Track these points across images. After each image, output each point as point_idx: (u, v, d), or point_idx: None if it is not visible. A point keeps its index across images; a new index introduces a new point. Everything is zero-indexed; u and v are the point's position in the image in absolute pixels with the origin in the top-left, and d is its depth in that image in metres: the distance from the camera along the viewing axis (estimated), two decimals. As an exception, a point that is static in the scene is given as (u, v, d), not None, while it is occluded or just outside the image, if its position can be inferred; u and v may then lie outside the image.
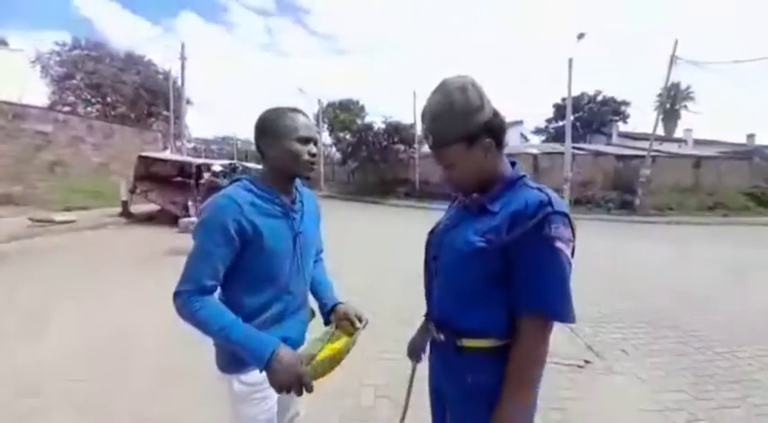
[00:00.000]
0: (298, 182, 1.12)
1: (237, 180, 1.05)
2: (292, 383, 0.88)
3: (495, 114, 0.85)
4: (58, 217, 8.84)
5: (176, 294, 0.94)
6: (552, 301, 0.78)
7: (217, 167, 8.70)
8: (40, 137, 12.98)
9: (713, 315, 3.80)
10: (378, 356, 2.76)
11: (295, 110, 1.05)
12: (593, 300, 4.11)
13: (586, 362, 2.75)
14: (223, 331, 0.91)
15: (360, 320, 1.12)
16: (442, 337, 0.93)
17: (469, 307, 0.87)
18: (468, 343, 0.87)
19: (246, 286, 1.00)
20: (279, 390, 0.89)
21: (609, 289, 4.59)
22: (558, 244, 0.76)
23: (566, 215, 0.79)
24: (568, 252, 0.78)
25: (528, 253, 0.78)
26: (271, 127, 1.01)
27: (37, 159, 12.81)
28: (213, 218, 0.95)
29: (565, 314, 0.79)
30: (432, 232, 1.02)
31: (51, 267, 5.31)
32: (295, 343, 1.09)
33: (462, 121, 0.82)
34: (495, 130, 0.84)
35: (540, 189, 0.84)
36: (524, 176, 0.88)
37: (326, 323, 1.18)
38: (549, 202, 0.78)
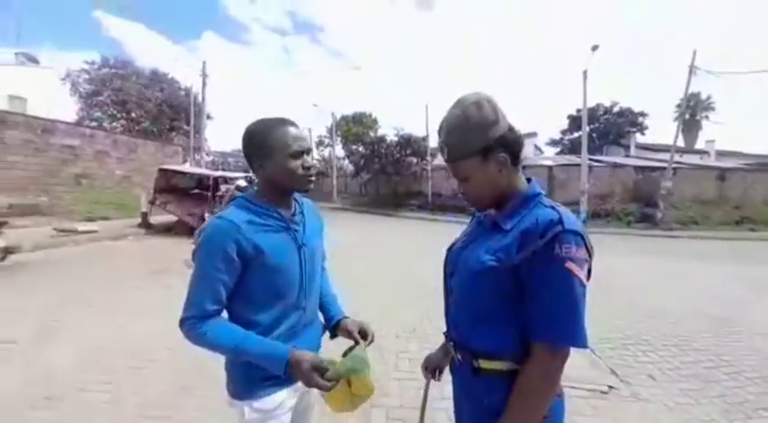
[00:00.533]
0: (296, 193, 1.09)
1: (234, 199, 1.04)
2: (309, 386, 0.91)
3: (511, 129, 0.85)
4: (81, 227, 9.13)
5: (181, 322, 0.93)
6: (560, 328, 0.75)
7: (242, 182, 8.93)
8: (67, 150, 13.58)
9: (743, 337, 3.59)
10: (390, 375, 2.69)
11: (284, 121, 1.00)
12: (616, 320, 3.94)
13: (610, 387, 2.61)
14: (237, 348, 0.91)
15: (365, 337, 1.09)
16: (459, 357, 0.93)
17: (483, 327, 0.85)
18: (484, 364, 0.85)
19: (255, 304, 0.99)
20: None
21: (632, 309, 4.39)
22: (569, 265, 0.73)
23: (578, 234, 0.76)
24: (581, 274, 0.74)
25: (537, 274, 0.75)
26: (260, 143, 0.98)
27: (64, 172, 13.38)
28: (211, 241, 0.93)
29: (574, 339, 0.75)
30: (449, 249, 1.02)
31: (72, 276, 5.45)
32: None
33: (477, 135, 0.82)
34: (510, 144, 0.84)
35: (553, 207, 0.81)
36: (540, 194, 0.86)
37: (332, 336, 1.17)
38: (560, 221, 0.76)
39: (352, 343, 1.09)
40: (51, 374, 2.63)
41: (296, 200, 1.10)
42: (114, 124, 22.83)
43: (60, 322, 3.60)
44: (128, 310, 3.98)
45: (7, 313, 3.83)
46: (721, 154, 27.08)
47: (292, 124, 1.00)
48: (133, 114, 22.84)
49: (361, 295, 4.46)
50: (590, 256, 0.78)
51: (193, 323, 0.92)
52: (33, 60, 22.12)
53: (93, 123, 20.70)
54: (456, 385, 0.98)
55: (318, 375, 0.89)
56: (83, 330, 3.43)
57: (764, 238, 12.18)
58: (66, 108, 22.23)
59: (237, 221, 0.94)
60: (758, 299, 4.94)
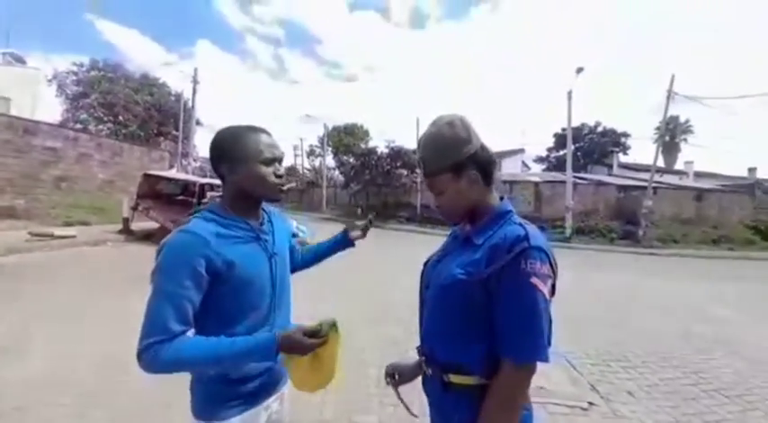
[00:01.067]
0: (264, 206, 1.07)
1: (197, 212, 0.98)
2: (306, 351, 0.88)
3: (483, 148, 0.90)
4: (58, 232, 8.83)
5: (141, 352, 0.80)
6: (524, 344, 0.77)
7: None
8: (48, 152, 13.23)
9: (722, 356, 3.66)
10: (370, 391, 2.64)
11: (254, 128, 0.97)
12: (598, 337, 3.98)
13: (590, 404, 2.61)
14: (218, 353, 0.82)
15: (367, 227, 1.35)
16: (429, 371, 0.93)
17: (452, 340, 0.87)
18: (454, 379, 0.86)
19: (225, 319, 0.92)
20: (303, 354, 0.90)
21: (614, 326, 4.45)
22: (534, 280, 0.76)
23: (543, 251, 0.79)
24: (545, 289, 0.77)
25: (503, 289, 0.78)
26: (230, 148, 0.93)
27: (44, 174, 13.00)
28: (177, 257, 0.85)
29: (536, 355, 0.77)
30: (426, 263, 1.03)
31: (45, 283, 5.23)
32: (276, 374, 1.03)
33: (449, 152, 0.87)
34: (481, 163, 0.89)
35: (521, 224, 0.85)
36: (511, 211, 0.90)
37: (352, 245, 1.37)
38: (526, 237, 0.79)
39: None
40: (20, 385, 2.50)
41: (263, 209, 1.06)
42: (100, 127, 22.42)
43: (31, 330, 3.44)
44: (103, 320, 3.83)
45: (-28, 321, 3.65)
46: (699, 175, 28.14)
47: (264, 132, 0.98)
48: (120, 118, 22.49)
49: (343, 308, 4.41)
50: (554, 272, 0.81)
51: (158, 348, 0.80)
52: (20, 61, 21.72)
53: (79, 126, 20.29)
54: (428, 400, 0.98)
55: (310, 337, 0.87)
56: (55, 339, 3.28)
57: (742, 257, 12.60)
58: (51, 110, 21.82)
59: (205, 234, 0.87)
60: (738, 317, 5.06)
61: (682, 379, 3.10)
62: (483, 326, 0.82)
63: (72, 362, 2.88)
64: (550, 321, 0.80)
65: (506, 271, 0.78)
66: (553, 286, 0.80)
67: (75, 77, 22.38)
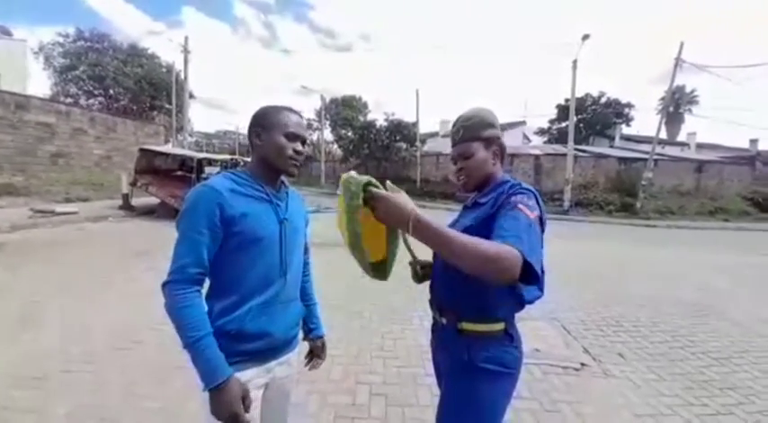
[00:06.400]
0: (285, 180, 1.14)
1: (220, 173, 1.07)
2: (228, 419, 0.90)
3: (501, 138, 1.12)
4: (59, 208, 8.86)
5: (164, 285, 0.94)
6: (513, 237, 0.81)
7: (215, 169, 8.79)
8: (42, 128, 13.00)
9: (712, 321, 3.79)
10: (373, 355, 2.78)
11: (291, 109, 1.08)
12: (592, 304, 4.11)
13: (582, 365, 2.75)
14: (192, 339, 0.90)
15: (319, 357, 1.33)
16: (444, 320, 1.07)
17: (465, 289, 0.98)
18: (467, 326, 1.00)
19: (234, 273, 0.99)
20: (217, 418, 0.91)
21: (609, 294, 4.58)
22: (520, 206, 0.91)
23: (531, 191, 0.98)
24: (530, 213, 0.90)
25: (500, 214, 0.93)
26: (263, 118, 1.05)
27: (40, 150, 12.85)
28: (195, 206, 0.96)
29: (521, 244, 0.79)
30: None
31: (51, 258, 5.32)
32: (279, 341, 1.07)
33: (486, 127, 1.08)
34: (500, 146, 1.11)
35: (518, 182, 1.03)
36: (510, 180, 1.07)
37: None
38: (519, 184, 1.01)
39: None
40: (35, 355, 2.60)
41: (284, 183, 1.13)
42: (91, 101, 21.86)
43: (42, 304, 3.54)
44: (110, 292, 3.93)
45: (-16, 294, 3.75)
46: (701, 146, 27.84)
47: (297, 113, 1.09)
48: (111, 91, 21.88)
49: (341, 280, 4.52)
50: (540, 209, 0.95)
51: (174, 288, 0.93)
52: (7, 33, 20.79)
53: (69, 100, 19.78)
54: (436, 342, 1.15)
55: (243, 407, 0.91)
56: (65, 312, 3.38)
57: (736, 228, 12.75)
58: (40, 83, 21.23)
59: (220, 188, 0.97)
60: (728, 286, 5.20)
61: (671, 342, 3.24)
62: None
63: (85, 332, 2.99)
64: (541, 244, 0.89)
65: (502, 205, 0.95)
66: (541, 220, 0.93)
67: (61, 49, 21.55)
